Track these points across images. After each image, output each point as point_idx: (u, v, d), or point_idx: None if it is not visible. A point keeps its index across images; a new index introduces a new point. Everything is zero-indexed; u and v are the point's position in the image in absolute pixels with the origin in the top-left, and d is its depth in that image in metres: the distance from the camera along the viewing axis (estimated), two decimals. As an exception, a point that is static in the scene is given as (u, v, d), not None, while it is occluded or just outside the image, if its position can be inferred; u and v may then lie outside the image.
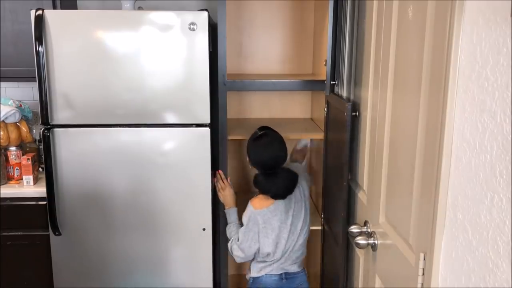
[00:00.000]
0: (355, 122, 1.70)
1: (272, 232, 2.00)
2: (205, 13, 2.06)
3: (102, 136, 2.17)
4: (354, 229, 1.56)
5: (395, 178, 1.32)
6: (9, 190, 2.29)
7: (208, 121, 2.16)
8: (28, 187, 2.33)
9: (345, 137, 1.67)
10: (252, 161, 2.07)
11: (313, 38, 2.74)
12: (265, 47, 2.74)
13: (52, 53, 2.06)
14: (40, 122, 2.12)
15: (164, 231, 2.27)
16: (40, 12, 2.01)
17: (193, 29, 2.05)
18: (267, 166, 2.01)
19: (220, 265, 2.38)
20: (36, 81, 2.05)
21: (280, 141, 2.04)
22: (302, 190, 2.11)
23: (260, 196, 2.05)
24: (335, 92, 2.01)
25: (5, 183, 2.37)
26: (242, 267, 2.89)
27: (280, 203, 2.02)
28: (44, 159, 2.15)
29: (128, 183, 2.21)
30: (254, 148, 2.05)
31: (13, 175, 2.39)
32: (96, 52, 2.07)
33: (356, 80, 1.74)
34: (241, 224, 2.08)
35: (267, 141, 2.04)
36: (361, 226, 1.56)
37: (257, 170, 2.06)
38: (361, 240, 1.49)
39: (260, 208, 2.01)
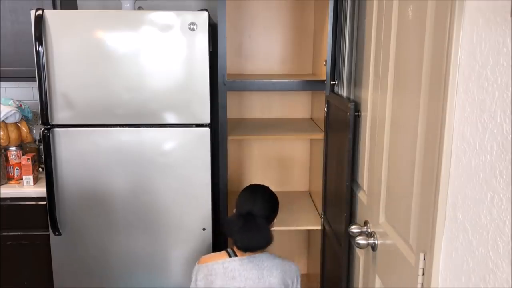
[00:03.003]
0: (356, 122, 1.69)
1: None
2: (205, 13, 2.06)
3: (102, 136, 2.17)
4: (354, 229, 1.56)
5: (395, 178, 1.32)
6: (9, 190, 2.29)
7: (208, 121, 2.17)
8: (28, 187, 2.33)
9: (346, 137, 1.67)
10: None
11: (313, 38, 2.74)
12: (265, 47, 2.74)
13: (52, 53, 2.06)
14: (40, 122, 2.13)
15: (164, 231, 2.27)
16: (40, 12, 2.01)
17: (193, 29, 2.06)
18: (241, 209, 1.82)
19: (220, 265, 2.38)
20: (36, 81, 2.06)
21: (267, 195, 1.90)
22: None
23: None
24: (335, 92, 2.00)
25: (5, 183, 2.37)
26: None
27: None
28: (44, 159, 2.15)
29: (128, 183, 2.22)
30: (241, 193, 1.92)
31: (13, 175, 2.40)
32: (96, 52, 2.08)
33: (356, 80, 1.74)
34: None
35: (254, 188, 1.93)
36: (361, 226, 1.56)
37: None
38: (361, 240, 1.48)
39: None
